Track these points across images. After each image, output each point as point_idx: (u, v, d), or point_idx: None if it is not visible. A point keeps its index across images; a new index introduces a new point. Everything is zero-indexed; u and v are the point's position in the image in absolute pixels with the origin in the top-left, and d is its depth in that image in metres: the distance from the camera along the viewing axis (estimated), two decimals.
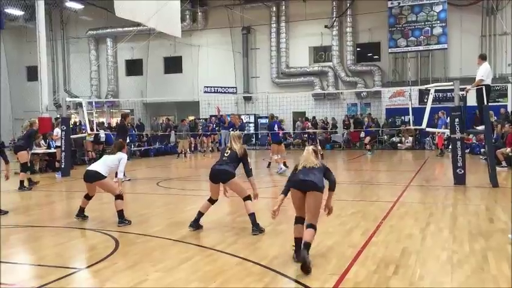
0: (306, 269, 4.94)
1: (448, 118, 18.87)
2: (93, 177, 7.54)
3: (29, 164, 12.66)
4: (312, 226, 5.32)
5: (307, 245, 5.14)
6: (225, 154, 7.08)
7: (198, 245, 6.24)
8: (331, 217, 7.95)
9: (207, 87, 28.28)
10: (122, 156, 7.82)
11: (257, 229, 6.82)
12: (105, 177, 7.54)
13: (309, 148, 5.83)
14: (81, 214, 7.96)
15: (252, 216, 6.87)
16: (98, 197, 10.77)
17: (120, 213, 7.55)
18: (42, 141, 16.91)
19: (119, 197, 7.56)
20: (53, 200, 11.35)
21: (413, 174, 13.67)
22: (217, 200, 7.15)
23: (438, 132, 19.83)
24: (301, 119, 26.66)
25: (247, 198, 6.95)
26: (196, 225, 7.08)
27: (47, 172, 16.10)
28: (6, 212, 8.37)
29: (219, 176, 6.95)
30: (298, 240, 5.43)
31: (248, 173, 7.04)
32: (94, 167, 7.64)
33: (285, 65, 28.30)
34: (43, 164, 16.41)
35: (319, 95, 27.27)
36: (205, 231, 7.15)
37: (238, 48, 29.35)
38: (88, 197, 7.92)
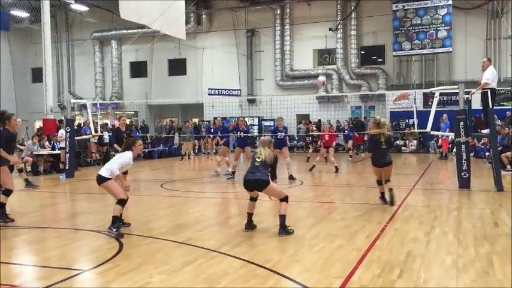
0: None
1: (449, 121, 18.99)
2: (98, 180, 7.18)
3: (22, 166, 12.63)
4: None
5: None
6: (257, 159, 6.93)
7: (202, 247, 6.22)
8: (335, 220, 7.97)
9: (211, 89, 28.34)
10: (122, 154, 7.32)
11: (284, 231, 6.73)
12: (108, 179, 7.08)
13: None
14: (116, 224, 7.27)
15: (282, 218, 6.78)
16: (102, 198, 10.80)
17: (114, 219, 6.97)
18: (47, 143, 16.99)
19: (120, 201, 7.06)
20: (57, 201, 11.37)
21: (418, 178, 13.64)
22: (257, 196, 7.13)
23: (442, 136, 19.76)
24: (304, 121, 26.65)
25: (284, 199, 6.87)
26: (250, 226, 7.08)
27: (51, 173, 16.15)
28: (12, 220, 7.93)
29: (254, 186, 6.86)
30: None
31: (273, 176, 7.00)
32: (101, 170, 7.26)
33: (289, 68, 28.31)
34: (47, 165, 16.46)
35: (323, 98, 27.26)
36: (210, 233, 7.15)
37: (242, 50, 29.37)
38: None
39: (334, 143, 16.43)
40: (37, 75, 29.94)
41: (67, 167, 15.07)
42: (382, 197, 9.24)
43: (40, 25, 18.12)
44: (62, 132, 15.99)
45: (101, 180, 7.10)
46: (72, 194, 12.37)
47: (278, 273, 5.13)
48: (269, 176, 6.86)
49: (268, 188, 6.83)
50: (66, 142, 15.19)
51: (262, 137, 7.41)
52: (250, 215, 7.14)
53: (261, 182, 6.79)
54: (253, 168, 6.90)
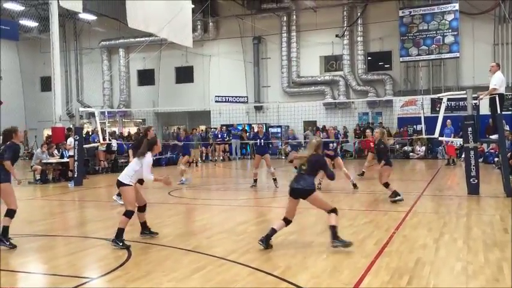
0: None
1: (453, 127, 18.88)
2: (117, 184, 7.05)
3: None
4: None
5: None
6: (302, 167, 6.66)
7: (210, 255, 6.22)
8: (343, 227, 7.94)
9: (218, 96, 28.43)
10: (144, 158, 6.97)
11: (339, 242, 6.35)
12: (126, 184, 6.88)
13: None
14: (145, 231, 7.37)
15: (333, 229, 6.44)
16: (110, 206, 10.84)
17: (119, 231, 6.74)
18: (56, 151, 17.10)
19: (128, 213, 6.81)
20: (66, 209, 11.42)
21: (426, 184, 13.57)
22: (291, 221, 6.67)
23: (447, 142, 19.67)
24: (311, 128, 26.63)
25: (332, 211, 6.58)
26: (266, 243, 6.49)
27: (60, 181, 16.24)
28: (14, 246, 6.90)
29: (299, 194, 6.60)
30: None
31: (331, 177, 6.83)
32: (121, 175, 7.06)
33: (296, 74, 28.35)
34: (56, 173, 16.56)
35: (330, 104, 27.25)
36: (218, 241, 7.15)
37: (249, 57, 29.47)
38: (139, 209, 7.29)
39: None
40: (46, 84, 30.26)
41: (75, 175, 15.16)
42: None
43: (49, 34, 18.33)
44: (70, 140, 16.10)
45: (120, 184, 6.96)
46: (80, 202, 12.42)
47: (287, 281, 5.12)
48: (314, 185, 6.64)
49: (312, 196, 6.55)
50: (74, 150, 15.30)
51: (312, 140, 6.99)
52: (273, 231, 6.59)
53: (304, 191, 6.53)
54: (299, 176, 6.65)
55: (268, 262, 5.90)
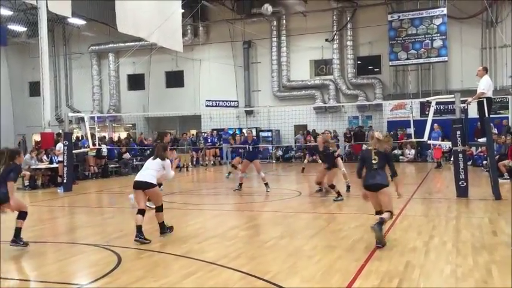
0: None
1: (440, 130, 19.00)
2: (142, 187, 7.62)
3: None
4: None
5: None
6: (373, 162, 6.90)
7: (201, 260, 6.21)
8: (334, 231, 7.97)
9: (209, 101, 28.40)
10: (166, 160, 7.90)
11: (378, 230, 6.52)
12: (155, 185, 7.67)
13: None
14: (164, 229, 7.83)
15: (381, 220, 6.67)
16: (100, 211, 10.80)
17: (161, 225, 7.74)
18: (45, 157, 16.98)
19: (160, 208, 7.71)
20: (55, 215, 11.34)
21: (416, 187, 13.65)
22: (383, 211, 6.82)
23: (434, 145, 19.81)
24: (302, 132, 26.71)
25: (390, 212, 6.82)
26: (381, 242, 6.60)
27: (49, 187, 16.11)
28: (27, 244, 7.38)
29: (376, 187, 6.85)
30: None
31: (393, 172, 6.99)
32: (142, 175, 7.68)
33: (286, 79, 28.42)
34: (45, 179, 16.42)
35: (321, 108, 27.34)
36: (209, 246, 7.14)
37: (239, 62, 29.50)
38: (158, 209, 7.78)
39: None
40: (35, 89, 30.02)
41: (65, 181, 15.03)
42: None
43: (37, 39, 18.21)
44: (59, 145, 15.98)
45: (148, 186, 7.59)
46: (70, 208, 12.34)
47: (277, 285, 5.13)
48: (387, 180, 6.87)
49: (383, 191, 6.80)
50: (64, 156, 15.18)
51: (376, 133, 7.28)
52: (381, 220, 6.65)
53: (380, 185, 6.78)
54: (373, 173, 6.85)
55: (259, 266, 5.91)
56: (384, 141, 7.04)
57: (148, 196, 7.74)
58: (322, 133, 15.99)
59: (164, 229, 7.81)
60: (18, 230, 7.19)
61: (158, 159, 7.81)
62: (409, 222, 8.46)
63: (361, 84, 27.05)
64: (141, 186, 7.60)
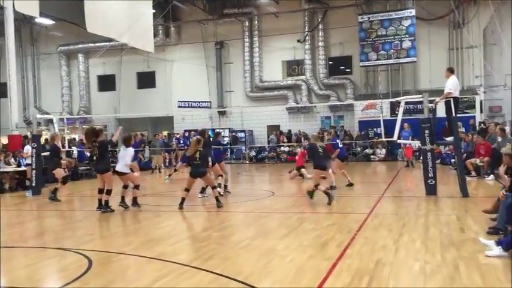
0: None
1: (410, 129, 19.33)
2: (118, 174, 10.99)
3: None
4: None
5: None
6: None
7: (174, 262, 6.18)
8: (306, 230, 8.03)
9: (181, 101, 28.25)
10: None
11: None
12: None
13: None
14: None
15: None
16: (70, 215, 10.62)
17: (134, 200, 10.87)
18: (12, 159, 16.58)
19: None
20: (24, 219, 11.07)
21: (387, 186, 13.87)
22: None
23: (405, 144, 20.14)
24: (275, 132, 26.82)
25: None
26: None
27: (17, 191, 15.73)
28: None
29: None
30: None
31: None
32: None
33: (259, 79, 28.50)
34: (13, 182, 16.03)
35: (293, 109, 27.52)
36: (182, 248, 7.11)
37: (211, 62, 29.44)
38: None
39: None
40: (1, 90, 29.25)
41: (33, 184, 14.71)
42: None
43: (4, 39, 17.78)
44: (27, 148, 15.63)
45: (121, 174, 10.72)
46: (39, 212, 12.07)
47: (250, 286, 5.14)
48: None
49: None
50: (32, 158, 14.85)
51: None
52: None
53: None
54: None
55: (232, 267, 5.91)
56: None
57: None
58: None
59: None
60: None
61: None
62: (379, 221, 8.59)
63: (333, 84, 27.34)
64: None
